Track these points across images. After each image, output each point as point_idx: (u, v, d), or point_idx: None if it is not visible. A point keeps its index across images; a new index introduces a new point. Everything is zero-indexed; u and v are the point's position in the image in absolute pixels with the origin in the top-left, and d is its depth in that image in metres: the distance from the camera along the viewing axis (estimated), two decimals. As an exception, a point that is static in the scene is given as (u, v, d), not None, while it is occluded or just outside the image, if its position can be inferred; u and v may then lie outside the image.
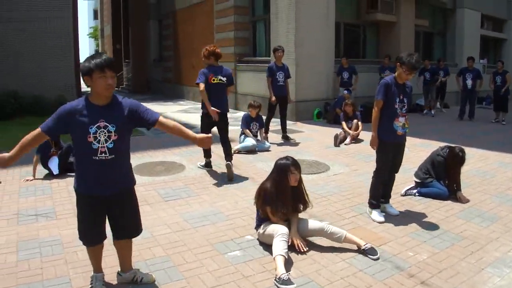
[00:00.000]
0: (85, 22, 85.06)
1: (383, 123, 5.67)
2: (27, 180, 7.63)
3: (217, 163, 8.65)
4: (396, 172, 5.98)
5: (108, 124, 3.58)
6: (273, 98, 10.71)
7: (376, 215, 5.74)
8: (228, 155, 7.89)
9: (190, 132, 3.96)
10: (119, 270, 4.16)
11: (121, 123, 3.64)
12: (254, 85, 16.23)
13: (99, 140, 3.56)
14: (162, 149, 9.86)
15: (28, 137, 3.65)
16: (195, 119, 10.47)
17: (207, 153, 8.34)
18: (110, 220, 3.87)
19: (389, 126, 5.61)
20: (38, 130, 3.63)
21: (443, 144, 7.33)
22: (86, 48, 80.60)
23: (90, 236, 3.86)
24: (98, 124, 3.55)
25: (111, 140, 3.59)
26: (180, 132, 3.90)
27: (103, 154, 3.58)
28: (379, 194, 5.87)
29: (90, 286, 3.98)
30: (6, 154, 3.61)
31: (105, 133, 3.57)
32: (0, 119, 14.39)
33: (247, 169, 8.27)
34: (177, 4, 22.70)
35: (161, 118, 3.82)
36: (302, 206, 5.08)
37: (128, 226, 3.94)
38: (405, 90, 5.69)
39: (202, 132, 6.98)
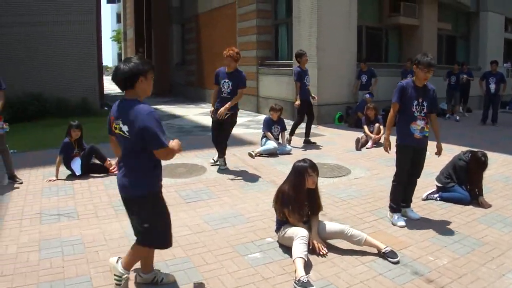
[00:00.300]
0: (108, 25, 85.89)
1: (401, 126, 5.68)
2: (50, 180, 7.75)
3: (238, 165, 8.70)
4: (418, 177, 5.93)
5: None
6: (297, 102, 10.70)
7: (397, 219, 5.73)
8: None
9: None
10: (140, 270, 4.18)
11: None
12: (276, 88, 16.26)
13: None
14: (184, 151, 9.92)
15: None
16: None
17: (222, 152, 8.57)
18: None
19: (406, 129, 5.60)
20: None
21: (465, 148, 7.29)
22: (109, 51, 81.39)
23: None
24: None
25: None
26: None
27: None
28: (399, 198, 5.85)
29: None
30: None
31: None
32: (23, 120, 14.60)
33: (268, 172, 8.30)
34: (200, 8, 22.81)
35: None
36: (318, 209, 5.10)
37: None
38: (426, 93, 5.63)
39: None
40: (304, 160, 5.03)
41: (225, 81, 8.15)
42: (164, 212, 3.86)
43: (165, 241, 3.94)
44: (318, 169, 5.05)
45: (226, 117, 8.11)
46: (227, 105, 8.03)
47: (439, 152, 5.70)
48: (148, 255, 4.06)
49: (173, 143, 3.55)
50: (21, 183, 7.62)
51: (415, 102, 5.55)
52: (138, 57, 3.68)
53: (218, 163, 8.64)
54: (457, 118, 16.32)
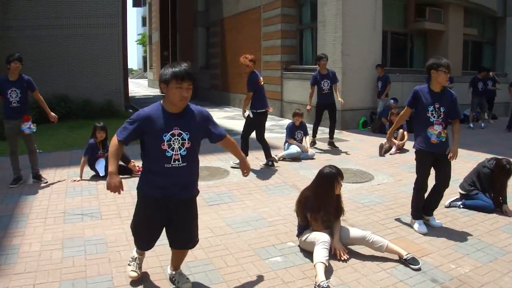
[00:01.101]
0: (133, 28, 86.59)
1: (417, 131, 5.70)
2: (74, 180, 7.88)
3: (262, 169, 8.73)
4: (444, 186, 5.78)
5: (182, 132, 3.67)
6: (308, 107, 10.95)
7: (418, 226, 5.70)
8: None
9: (241, 155, 4.26)
10: (170, 266, 4.31)
11: (194, 131, 3.72)
12: (300, 93, 16.24)
13: (174, 147, 3.65)
14: (208, 155, 9.99)
15: (113, 150, 3.76)
16: (240, 125, 10.56)
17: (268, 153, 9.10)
18: (169, 227, 3.94)
19: (423, 134, 5.57)
20: (116, 140, 3.75)
21: (489, 155, 7.22)
22: (134, 54, 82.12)
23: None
24: (172, 131, 3.64)
25: (185, 147, 3.68)
26: (235, 153, 4.25)
27: (176, 162, 3.67)
28: (420, 204, 5.81)
29: (128, 262, 4.27)
30: (116, 178, 3.68)
31: (179, 140, 3.66)
32: (49, 121, 14.77)
33: (290, 177, 8.31)
34: (225, 12, 22.91)
35: (227, 136, 4.07)
36: (338, 213, 5.09)
37: (187, 237, 4.01)
38: (443, 98, 5.54)
39: None
40: (331, 167, 5.01)
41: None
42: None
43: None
44: (341, 174, 5.05)
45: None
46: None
47: (453, 156, 5.56)
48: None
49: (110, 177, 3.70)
50: (46, 183, 7.74)
51: (431, 108, 5.50)
52: (180, 63, 3.72)
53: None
54: (482, 125, 16.06)
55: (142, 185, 3.84)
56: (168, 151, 3.63)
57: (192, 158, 3.78)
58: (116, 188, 3.65)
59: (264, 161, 9.12)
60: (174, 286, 4.17)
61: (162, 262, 4.61)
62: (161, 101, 3.75)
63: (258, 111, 8.79)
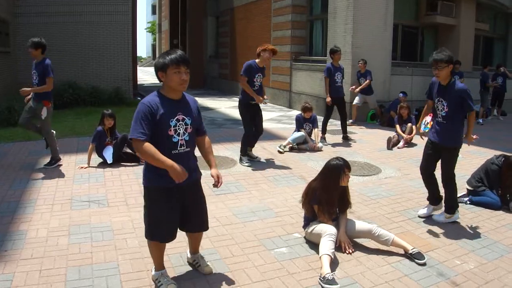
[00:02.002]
0: (143, 16, 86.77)
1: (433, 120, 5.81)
2: (82, 167, 7.91)
3: (268, 160, 8.75)
4: (442, 180, 5.78)
5: (185, 117, 3.72)
6: (329, 99, 10.74)
7: (422, 208, 5.97)
8: None
9: (214, 161, 4.13)
10: (188, 250, 4.41)
11: (194, 117, 3.80)
12: (309, 84, 16.23)
13: (179, 133, 3.69)
14: (215, 144, 9.99)
15: (151, 148, 3.54)
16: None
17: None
18: (183, 212, 3.95)
19: (433, 124, 5.75)
20: (138, 142, 3.53)
21: (498, 152, 7.19)
22: (143, 42, 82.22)
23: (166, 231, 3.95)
24: (177, 117, 3.67)
25: (188, 132, 3.74)
26: (209, 156, 4.12)
27: (182, 147, 3.71)
28: (429, 190, 5.97)
29: (158, 283, 3.98)
30: (177, 166, 3.55)
31: (183, 125, 3.71)
32: (58, 108, 14.82)
33: (298, 168, 8.31)
34: (235, 2, 22.83)
35: (207, 136, 4.14)
36: (345, 206, 5.09)
37: (203, 219, 4.10)
38: (447, 93, 5.50)
39: None
40: (338, 159, 5.01)
41: (258, 75, 8.40)
42: None
43: None
44: (349, 167, 5.05)
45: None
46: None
47: (468, 141, 5.78)
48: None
49: (176, 168, 3.55)
50: (61, 165, 7.89)
51: (436, 100, 5.61)
52: (175, 50, 3.74)
53: (253, 157, 8.84)
54: (481, 120, 15.84)
55: (151, 178, 3.79)
56: (174, 137, 3.67)
57: (193, 143, 3.88)
58: (184, 173, 3.57)
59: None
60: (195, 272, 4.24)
61: (168, 251, 4.61)
62: (158, 90, 3.75)
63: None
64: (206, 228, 4.17)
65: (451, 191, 5.72)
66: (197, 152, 3.93)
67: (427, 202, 6.01)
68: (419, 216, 5.90)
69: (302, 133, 9.91)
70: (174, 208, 3.84)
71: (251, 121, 8.56)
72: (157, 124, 3.60)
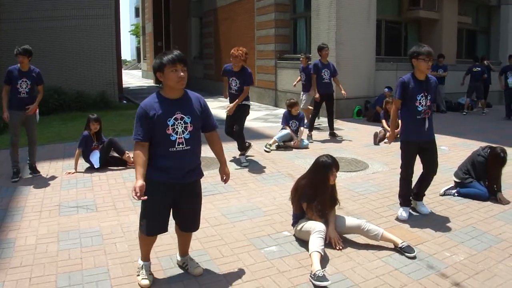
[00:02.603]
0: (126, 19, 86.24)
1: (405, 122, 5.67)
2: (69, 173, 7.86)
3: (256, 159, 8.73)
4: (434, 172, 5.87)
5: (184, 116, 3.77)
6: (317, 96, 10.75)
7: (399, 213, 5.77)
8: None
9: (224, 158, 4.27)
10: (178, 252, 4.40)
11: (194, 115, 3.84)
12: (294, 82, 16.22)
13: (177, 131, 3.75)
14: (203, 145, 9.94)
15: (138, 157, 3.72)
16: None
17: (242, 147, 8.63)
18: (176, 210, 4.02)
19: (411, 125, 5.61)
20: (138, 143, 3.73)
21: (484, 144, 7.24)
22: (127, 45, 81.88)
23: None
24: (175, 116, 3.73)
25: (188, 131, 3.79)
26: (219, 153, 4.26)
27: (180, 145, 3.77)
28: (406, 192, 5.86)
29: (137, 273, 4.12)
30: (140, 183, 3.63)
31: (182, 124, 3.76)
32: (43, 114, 14.75)
33: (285, 166, 8.31)
34: (218, 2, 22.81)
35: (216, 131, 4.18)
36: (335, 204, 5.09)
37: (193, 219, 4.15)
38: (429, 86, 5.58)
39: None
40: (327, 156, 5.02)
41: (233, 79, 8.37)
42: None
43: None
44: (336, 163, 5.05)
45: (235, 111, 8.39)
46: (236, 102, 8.27)
47: None
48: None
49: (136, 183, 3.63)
50: (38, 175, 7.74)
51: (419, 97, 5.51)
52: (172, 50, 3.85)
53: (242, 162, 8.52)
54: (485, 111, 16.12)
55: (150, 171, 3.81)
56: (172, 135, 3.74)
57: (196, 141, 3.92)
58: (140, 190, 3.59)
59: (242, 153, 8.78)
60: (183, 271, 4.26)
61: (158, 254, 4.62)
62: (158, 91, 3.85)
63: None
64: (195, 229, 4.21)
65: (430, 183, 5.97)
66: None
67: (404, 201, 5.91)
68: (397, 220, 5.73)
69: (288, 131, 9.90)
70: (166, 204, 3.91)
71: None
72: (155, 124, 3.69)
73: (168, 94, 3.79)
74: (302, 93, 12.87)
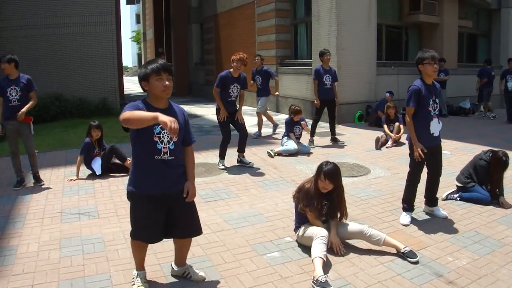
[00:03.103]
0: (127, 26, 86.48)
1: (418, 128, 5.57)
2: (71, 180, 7.87)
3: (258, 165, 8.73)
4: (439, 175, 5.89)
5: None
6: (317, 102, 10.74)
7: (402, 217, 5.80)
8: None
9: (192, 175, 4.03)
10: (173, 262, 4.34)
11: (180, 127, 3.69)
12: (295, 87, 16.27)
13: (163, 140, 3.72)
14: (204, 151, 10.00)
15: (133, 112, 3.48)
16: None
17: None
18: (173, 219, 3.96)
19: (424, 130, 5.55)
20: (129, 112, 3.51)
21: (486, 148, 7.23)
22: (129, 51, 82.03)
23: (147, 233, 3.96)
24: (161, 125, 3.60)
25: (173, 141, 3.76)
26: (190, 168, 4.03)
27: (165, 155, 3.73)
28: (412, 197, 5.85)
29: (131, 282, 4.11)
30: (162, 115, 3.36)
31: (167, 134, 3.70)
32: (45, 121, 14.79)
33: (287, 171, 8.30)
34: (219, 8, 22.86)
35: (192, 147, 4.07)
36: (339, 215, 5.05)
37: (192, 224, 4.07)
38: (435, 91, 5.62)
39: None
40: (327, 163, 4.97)
41: (234, 86, 8.44)
42: None
43: None
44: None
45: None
46: (240, 109, 8.69)
47: None
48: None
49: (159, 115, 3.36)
50: (43, 185, 7.72)
51: (430, 101, 5.52)
52: (156, 59, 3.81)
53: (246, 163, 8.84)
54: (494, 115, 16.16)
55: (134, 184, 3.82)
56: (158, 143, 3.70)
57: (179, 151, 3.87)
58: (174, 121, 3.33)
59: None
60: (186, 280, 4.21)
61: (160, 260, 4.62)
62: (144, 99, 3.81)
63: None
64: (198, 233, 4.14)
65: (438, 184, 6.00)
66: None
67: (408, 206, 5.90)
68: (403, 224, 5.71)
69: (295, 146, 9.79)
70: (158, 214, 3.86)
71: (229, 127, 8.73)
72: (142, 130, 3.60)
73: (154, 103, 3.74)
74: (257, 98, 12.77)
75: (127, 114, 3.46)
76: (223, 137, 8.69)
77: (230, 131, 8.70)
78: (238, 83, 8.43)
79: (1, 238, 5.33)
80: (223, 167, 8.65)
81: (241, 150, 8.86)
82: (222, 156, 8.74)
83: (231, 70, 8.38)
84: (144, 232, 3.93)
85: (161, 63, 3.70)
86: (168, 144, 3.73)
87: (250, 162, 8.81)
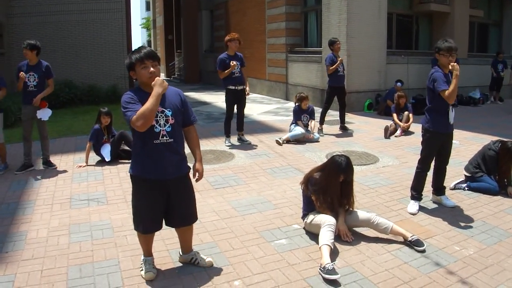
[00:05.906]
0: (137, 13, 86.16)
1: (437, 114, 5.56)
2: (80, 166, 7.92)
3: (267, 153, 8.74)
4: (447, 163, 5.90)
5: (164, 109, 3.79)
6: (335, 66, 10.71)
7: (410, 205, 5.82)
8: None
9: (198, 155, 4.16)
10: (180, 250, 4.37)
11: (174, 108, 3.86)
12: (305, 75, 16.22)
13: (160, 123, 3.77)
14: (213, 138, 10.02)
15: (139, 112, 3.58)
16: (247, 108, 10.52)
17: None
18: (169, 206, 3.98)
19: (443, 116, 5.55)
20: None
21: (495, 138, 7.21)
22: (138, 38, 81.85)
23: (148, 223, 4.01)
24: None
25: (169, 124, 3.80)
26: (194, 148, 4.14)
27: (164, 137, 3.78)
28: (421, 185, 5.86)
29: (140, 268, 4.15)
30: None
31: (163, 117, 3.77)
32: (55, 107, 14.82)
33: (295, 159, 8.32)
34: (229, -5, 22.79)
35: (194, 125, 4.17)
36: (346, 204, 5.06)
37: (186, 213, 4.09)
38: (450, 79, 5.57)
39: None
40: (343, 157, 4.98)
41: (236, 64, 9.22)
42: None
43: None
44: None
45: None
46: (248, 84, 9.75)
47: None
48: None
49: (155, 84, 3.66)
50: (55, 168, 7.81)
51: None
52: (140, 48, 3.85)
53: (245, 140, 9.71)
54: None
55: (134, 167, 3.90)
56: (156, 127, 3.75)
57: (178, 134, 3.92)
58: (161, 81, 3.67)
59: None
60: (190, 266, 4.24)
61: (168, 246, 4.65)
62: (138, 86, 3.89)
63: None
64: (190, 222, 4.15)
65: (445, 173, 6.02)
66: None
67: (417, 194, 5.92)
68: (410, 213, 5.73)
69: (302, 131, 9.84)
70: (158, 200, 3.90)
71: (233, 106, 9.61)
72: None
73: (146, 89, 3.76)
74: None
75: (137, 118, 3.57)
76: (226, 115, 9.51)
77: (233, 110, 9.61)
78: (238, 60, 9.26)
79: (11, 224, 5.38)
80: (229, 144, 9.31)
81: (239, 129, 9.66)
82: (227, 134, 9.48)
83: (227, 52, 9.34)
84: (141, 224, 3.98)
85: (144, 51, 3.74)
86: (165, 127, 3.79)
87: (247, 140, 9.59)
